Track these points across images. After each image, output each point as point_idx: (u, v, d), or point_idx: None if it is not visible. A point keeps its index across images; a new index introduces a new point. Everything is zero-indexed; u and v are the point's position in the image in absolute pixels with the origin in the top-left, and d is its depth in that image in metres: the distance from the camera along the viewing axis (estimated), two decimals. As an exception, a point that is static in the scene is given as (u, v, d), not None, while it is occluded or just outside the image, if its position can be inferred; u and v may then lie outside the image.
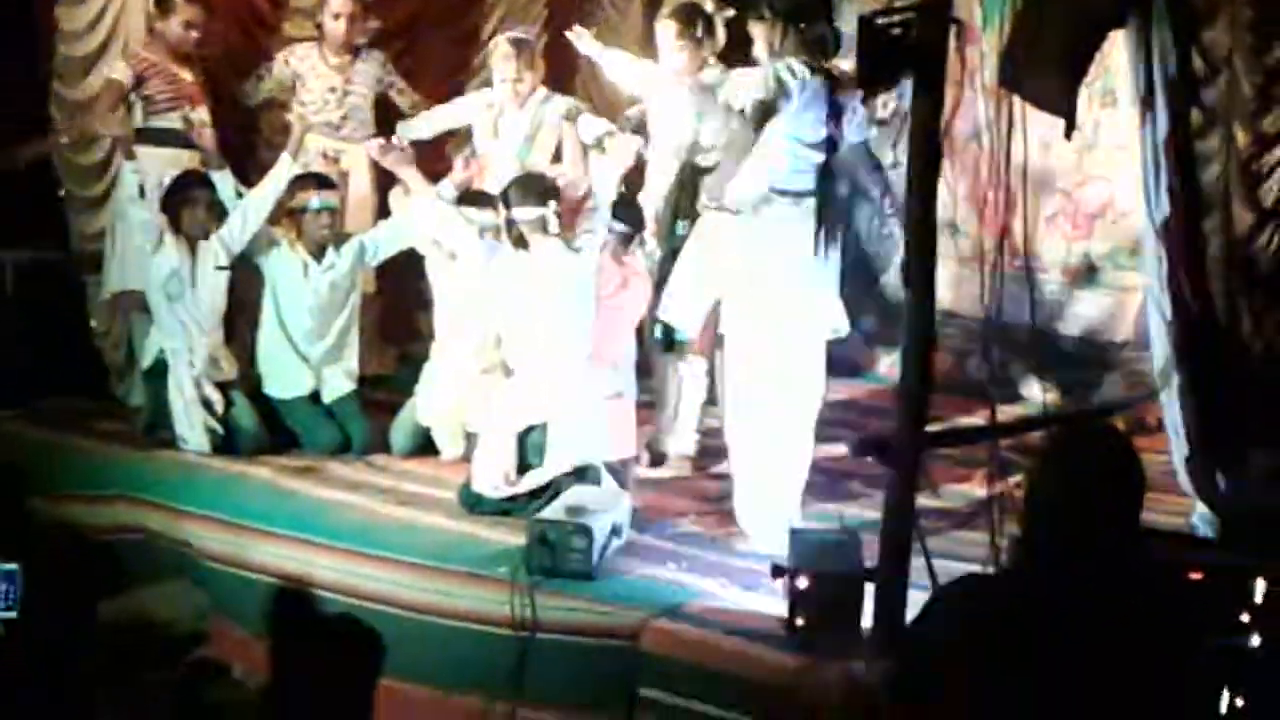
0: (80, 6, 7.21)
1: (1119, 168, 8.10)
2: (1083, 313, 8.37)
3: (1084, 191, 8.37)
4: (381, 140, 6.95)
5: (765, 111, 5.51)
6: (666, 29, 6.87)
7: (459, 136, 7.77)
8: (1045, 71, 4.59)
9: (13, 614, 3.89)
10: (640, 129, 7.00)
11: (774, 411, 5.76)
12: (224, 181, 6.91)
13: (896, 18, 4.26)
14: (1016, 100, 4.82)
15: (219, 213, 6.91)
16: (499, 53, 7.30)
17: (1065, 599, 2.91)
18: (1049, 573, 2.95)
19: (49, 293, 7.36)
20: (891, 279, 8.93)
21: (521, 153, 7.21)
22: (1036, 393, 7.60)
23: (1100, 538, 2.94)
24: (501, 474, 6.10)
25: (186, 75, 7.22)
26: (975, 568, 4.59)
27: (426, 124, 7.52)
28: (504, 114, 7.30)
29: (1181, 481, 5.60)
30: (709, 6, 6.91)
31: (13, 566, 4.05)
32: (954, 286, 8.10)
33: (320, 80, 7.53)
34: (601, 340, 6.34)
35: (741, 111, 5.75)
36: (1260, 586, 4.44)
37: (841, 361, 8.22)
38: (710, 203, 6.27)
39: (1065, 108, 4.69)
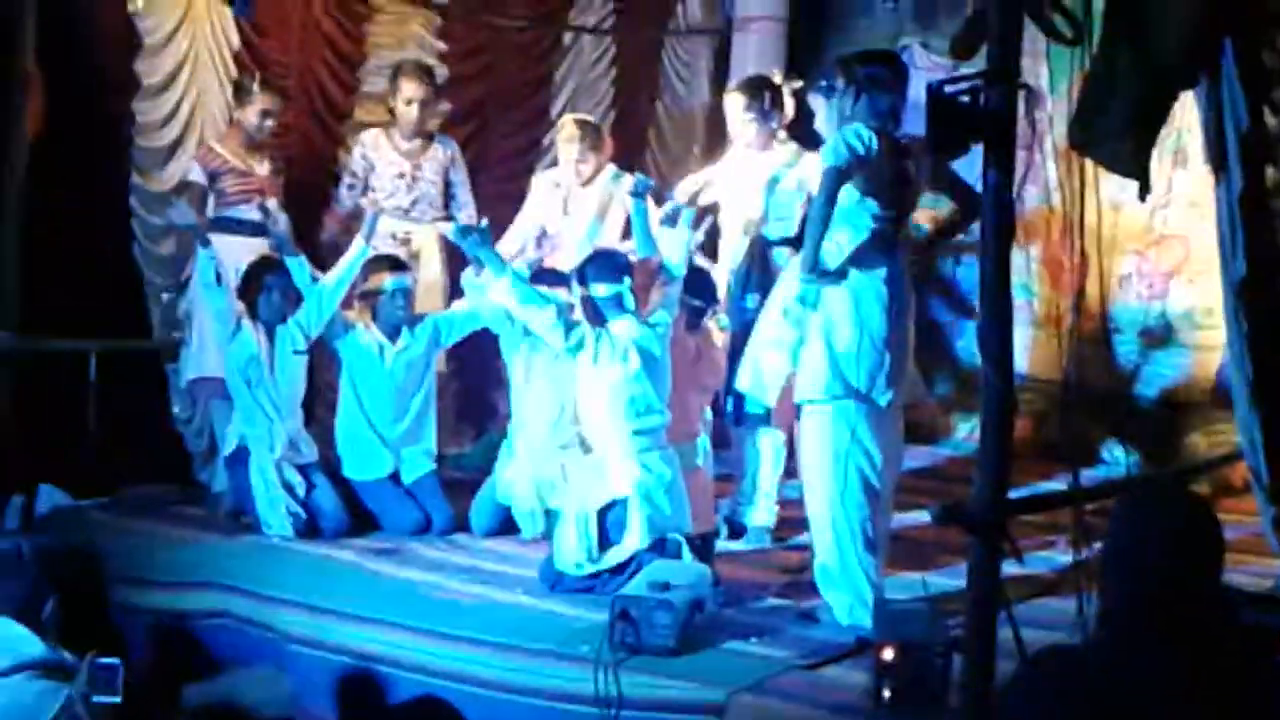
0: (157, 99, 7.37)
1: (1193, 226, 8.08)
2: (1161, 373, 8.31)
3: (1158, 251, 8.34)
4: (461, 222, 7.03)
5: (837, 178, 5.51)
6: (735, 102, 6.93)
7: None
8: (1116, 134, 4.58)
9: (117, 699, 3.92)
10: (710, 204, 7.04)
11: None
12: (299, 268, 6.99)
13: (965, 85, 4.26)
14: (1087, 161, 4.82)
15: (295, 298, 6.99)
16: (564, 134, 7.40)
17: (1151, 672, 2.86)
18: (1130, 644, 2.90)
19: (132, 381, 7.45)
20: (965, 345, 8.93)
21: (592, 230, 7.27)
22: (1118, 455, 7.55)
23: (1179, 601, 2.89)
24: (583, 551, 6.09)
25: (259, 168, 7.33)
26: (1062, 636, 4.53)
27: (514, 240, 7.54)
28: (572, 193, 7.37)
29: (1269, 542, 5.53)
30: (777, 78, 6.97)
31: (115, 661, 4.09)
32: (1029, 349, 8.09)
33: (391, 166, 7.63)
34: (679, 414, 6.34)
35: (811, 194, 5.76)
36: (1355, 648, 4.35)
37: (920, 429, 8.24)
38: (788, 272, 6.28)
39: (1138, 170, 4.67)
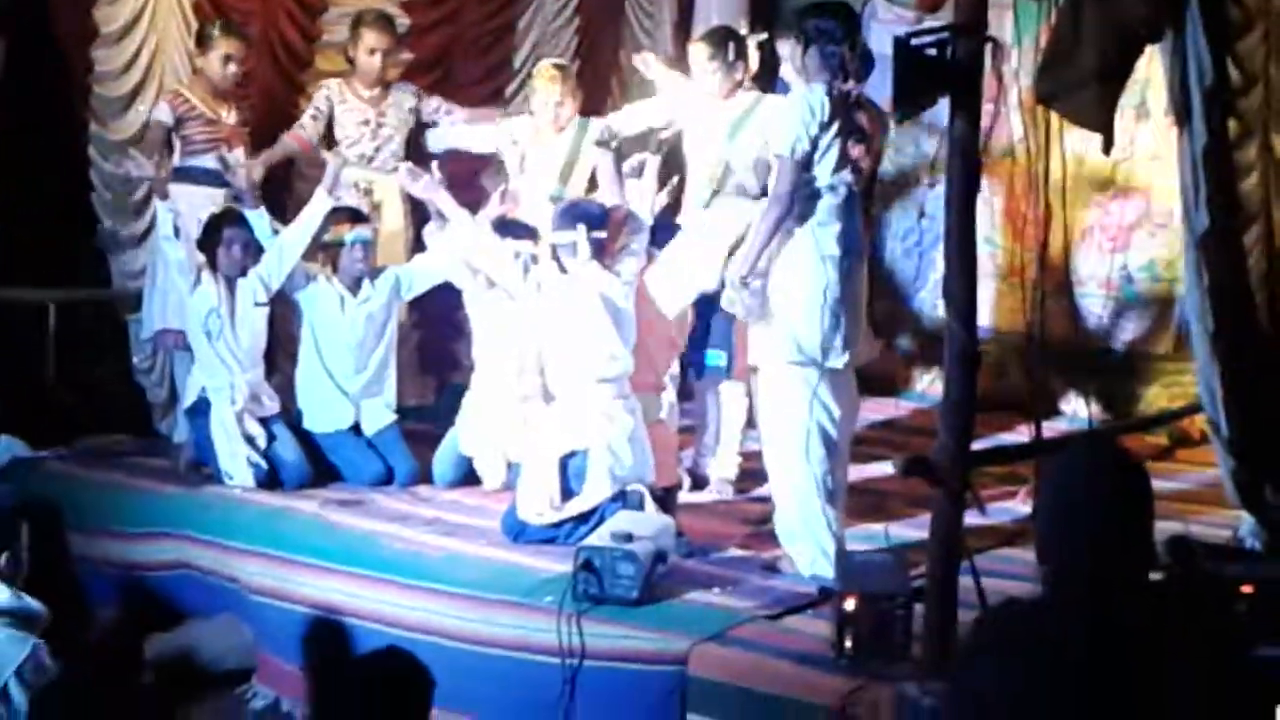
0: (116, 46, 7.30)
1: (1154, 179, 8.10)
2: (1122, 325, 8.35)
3: (1120, 205, 8.36)
4: (411, 165, 7.01)
5: (798, 171, 5.52)
6: (699, 52, 6.90)
7: (492, 167, 7.81)
8: (1082, 86, 4.58)
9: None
10: (674, 152, 7.02)
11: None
12: (259, 220, 6.95)
13: (931, 38, 4.25)
14: (1051, 115, 4.83)
15: (255, 250, 6.94)
16: (543, 76, 7.35)
17: (1093, 626, 2.88)
18: (1070, 599, 2.93)
19: (91, 331, 7.41)
20: (925, 297, 8.95)
21: (558, 180, 7.25)
22: (1080, 408, 7.59)
23: (1107, 551, 2.91)
24: (545, 501, 6.09)
25: (225, 115, 7.27)
26: (1024, 586, 4.56)
27: (453, 138, 7.58)
28: (537, 144, 7.32)
29: (1228, 493, 5.58)
30: (741, 30, 6.95)
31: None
32: (991, 302, 8.10)
33: (353, 114, 7.58)
34: (644, 365, 6.34)
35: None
36: (1313, 598, 4.41)
37: (880, 381, 8.26)
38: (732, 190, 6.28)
39: (1103, 122, 4.68)
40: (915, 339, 8.96)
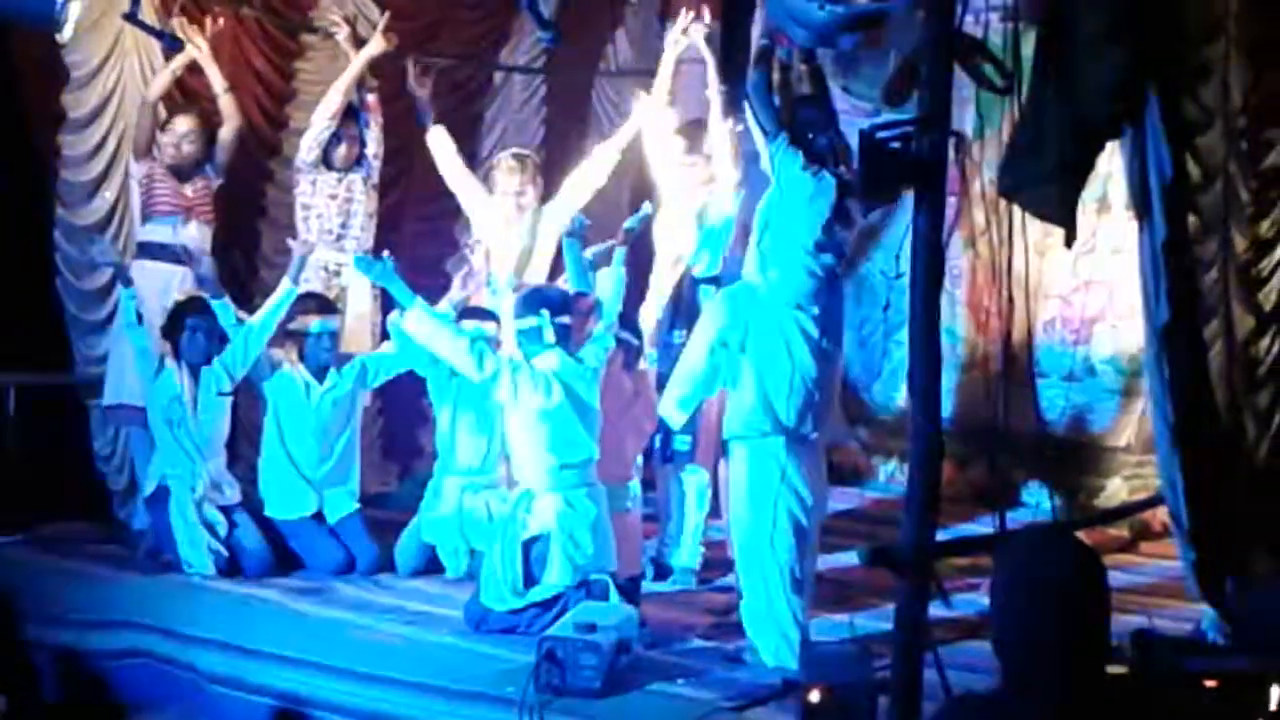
0: (83, 132, 7.31)
1: (1116, 273, 8.18)
2: (1085, 418, 8.39)
3: (1081, 297, 8.43)
4: (365, 254, 7.02)
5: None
6: (675, 146, 6.98)
7: (456, 254, 7.85)
8: (1044, 181, 4.63)
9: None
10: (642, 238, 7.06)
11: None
12: (223, 309, 6.94)
13: (896, 130, 4.30)
14: (1013, 207, 4.87)
15: (219, 339, 6.93)
16: (503, 167, 7.39)
17: (1057, 717, 2.88)
18: (1024, 693, 2.92)
19: (52, 416, 7.37)
20: (879, 388, 9.01)
21: (518, 267, 7.27)
22: (1042, 499, 7.61)
23: (1061, 641, 2.90)
24: (508, 587, 6.07)
25: (185, 189, 7.27)
26: (986, 679, 4.55)
27: (447, 151, 7.56)
28: (504, 228, 7.35)
29: (1189, 586, 5.58)
30: (713, 122, 7.03)
31: None
32: (953, 393, 8.14)
33: (323, 189, 7.54)
34: (613, 455, 6.33)
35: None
36: (1276, 693, 4.41)
37: (842, 470, 8.28)
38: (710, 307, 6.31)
39: (1065, 216, 4.72)
40: (871, 430, 9.00)
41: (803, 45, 5.62)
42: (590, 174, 7.40)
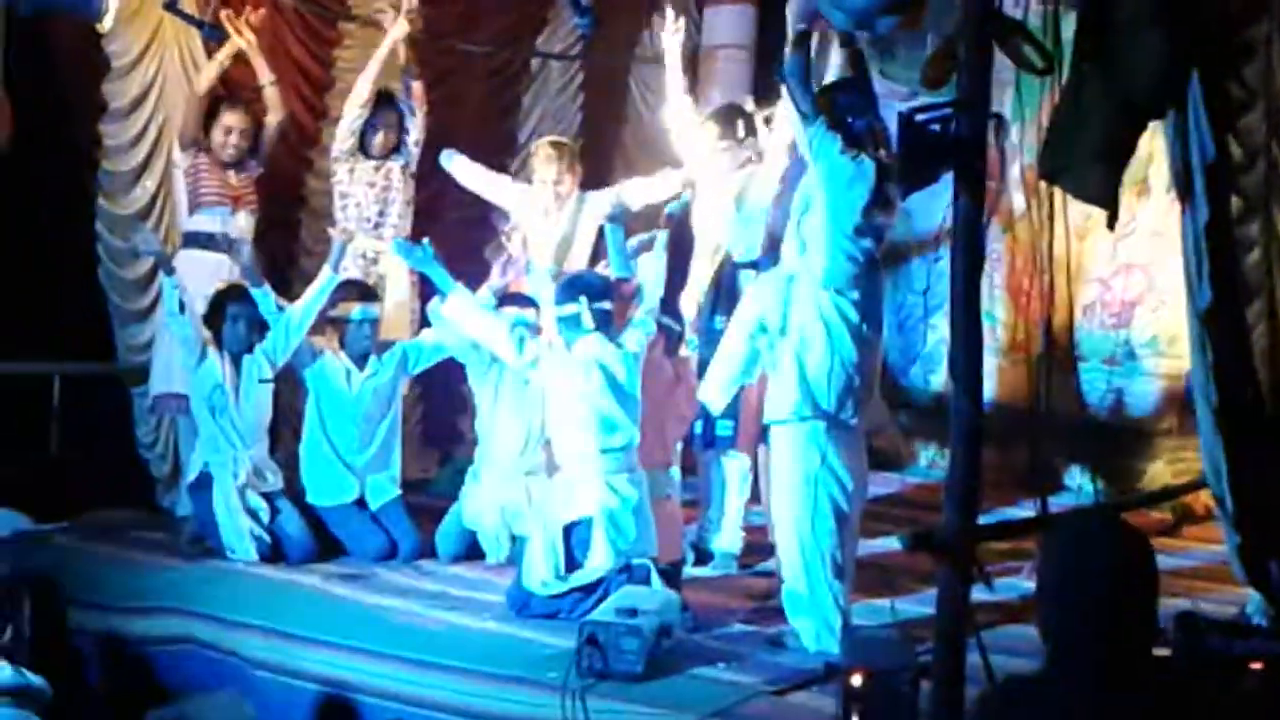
0: (124, 121, 7.36)
1: (1156, 256, 8.14)
2: (1126, 401, 8.36)
3: (1122, 280, 8.39)
4: (403, 239, 7.06)
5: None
6: (708, 132, 6.97)
7: (495, 240, 7.85)
8: (1085, 163, 4.60)
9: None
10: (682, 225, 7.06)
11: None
12: (264, 297, 6.98)
13: (935, 113, 4.28)
14: (1053, 190, 4.85)
15: (260, 326, 6.97)
16: (540, 155, 7.38)
17: (1094, 704, 2.87)
18: (1072, 675, 2.91)
19: (96, 405, 7.42)
20: (918, 371, 8.99)
21: (558, 255, 7.28)
22: (1085, 483, 7.58)
23: (1109, 624, 2.90)
24: (550, 572, 6.08)
25: (231, 179, 7.31)
26: (1029, 663, 4.54)
27: (467, 170, 7.57)
28: (537, 220, 7.35)
29: (1234, 569, 5.55)
30: (749, 106, 7.02)
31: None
32: (993, 377, 8.11)
33: (361, 178, 7.58)
34: (654, 440, 6.34)
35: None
36: (1321, 674, 4.39)
37: (883, 456, 8.27)
38: (751, 291, 6.30)
39: (1107, 198, 4.69)
40: (911, 415, 8.98)
41: (840, 29, 5.60)
42: (650, 190, 7.35)
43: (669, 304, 6.56)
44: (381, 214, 7.59)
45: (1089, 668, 2.91)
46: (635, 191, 7.34)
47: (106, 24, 7.10)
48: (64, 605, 5.84)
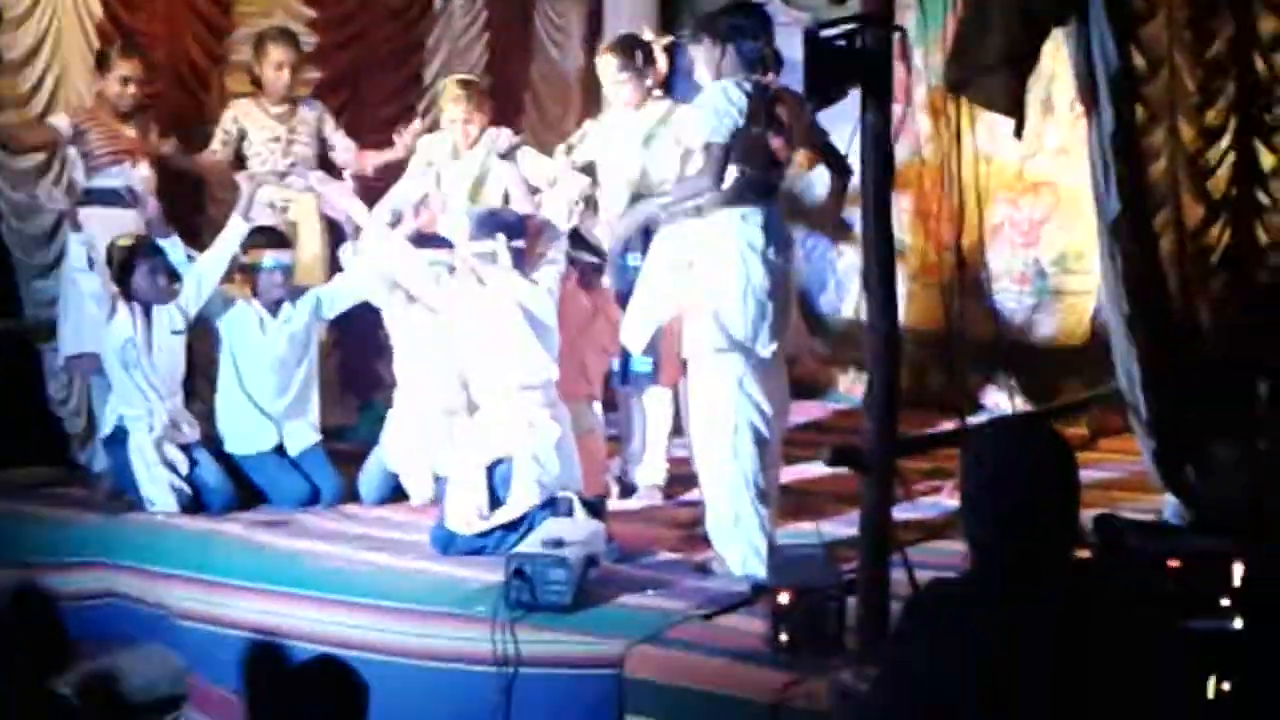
0: (19, 74, 7.21)
1: (1062, 173, 8.21)
2: (1037, 319, 8.44)
3: (1029, 200, 8.46)
4: (323, 174, 6.99)
5: (725, 155, 5.54)
6: (607, 64, 6.94)
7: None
8: (991, 72, 4.63)
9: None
10: (588, 165, 7.04)
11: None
12: (173, 247, 6.89)
13: (840, 29, 4.29)
14: (959, 111, 4.87)
15: (171, 277, 6.89)
16: (448, 94, 7.32)
17: (1020, 605, 2.91)
18: (997, 577, 2.95)
19: (4, 362, 7.31)
20: (829, 299, 9.05)
21: (471, 193, 7.23)
22: (1001, 401, 7.65)
23: (1030, 526, 2.94)
24: (473, 511, 6.07)
25: (127, 131, 7.21)
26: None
27: (388, 207, 7.48)
28: (444, 165, 7.29)
29: (1150, 475, 5.64)
30: (648, 35, 6.99)
31: None
32: (905, 302, 8.15)
33: (263, 131, 7.55)
34: (575, 373, 6.34)
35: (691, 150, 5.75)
36: (1239, 570, 4.47)
37: (803, 383, 8.31)
38: (664, 215, 6.30)
39: (1013, 106, 4.73)
40: (826, 341, 9.04)
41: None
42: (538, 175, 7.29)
43: (582, 236, 6.54)
44: (292, 165, 7.52)
45: (1011, 569, 2.94)
46: (534, 171, 7.24)
47: (-4, -26, 6.97)
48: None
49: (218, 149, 7.56)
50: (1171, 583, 4.49)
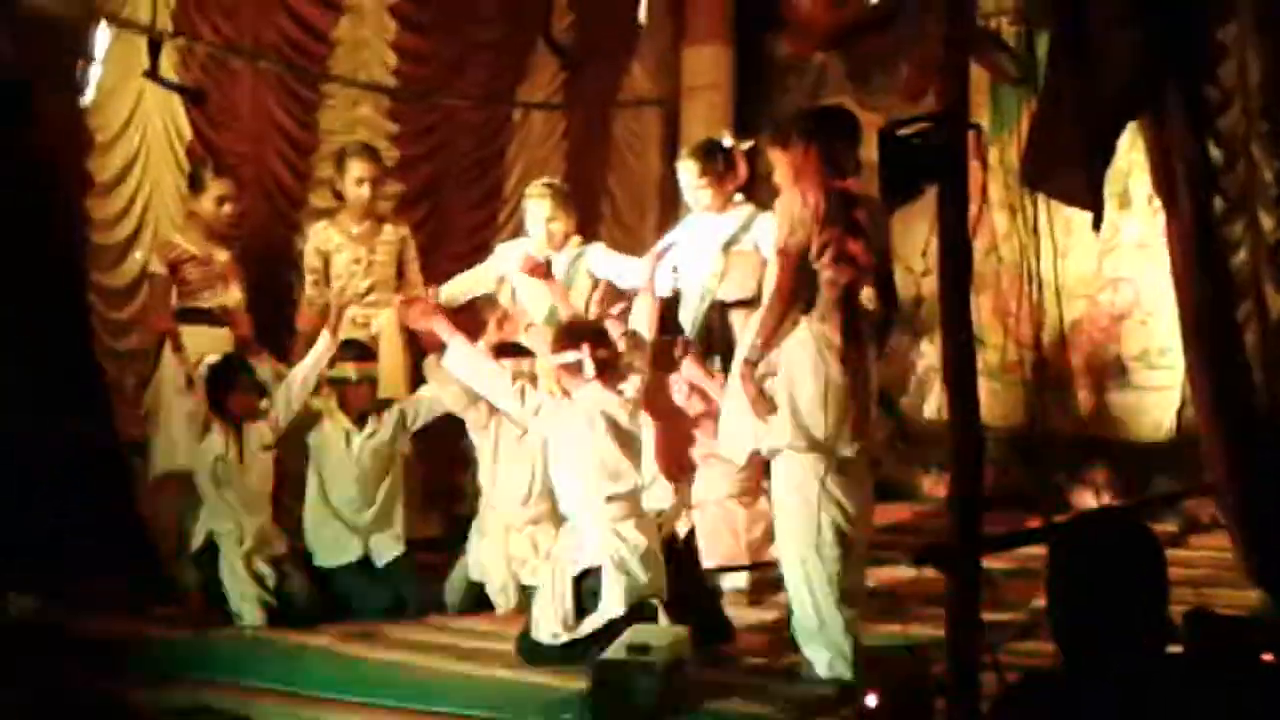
0: (110, 195, 7.37)
1: (1140, 268, 8.17)
2: (1120, 416, 8.37)
3: (1109, 295, 8.42)
4: (403, 297, 7.07)
5: (798, 269, 5.57)
6: (688, 170, 7.00)
7: (488, 298, 7.87)
8: (1067, 166, 4.64)
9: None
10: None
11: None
12: (262, 366, 6.99)
13: (915, 127, 4.32)
14: (1037, 209, 4.87)
15: (260, 393, 6.98)
16: (533, 194, 7.38)
17: (1123, 691, 2.87)
18: (1091, 671, 2.92)
19: (98, 472, 7.40)
20: (908, 400, 9.01)
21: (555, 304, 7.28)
22: (1088, 500, 7.59)
23: (1122, 621, 2.91)
24: (560, 622, 6.06)
25: (220, 255, 7.34)
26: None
27: (457, 286, 7.60)
28: (518, 279, 7.34)
29: (1241, 570, 5.56)
30: (728, 141, 7.04)
31: None
32: (986, 399, 8.12)
33: (343, 254, 7.63)
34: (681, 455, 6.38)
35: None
36: (1334, 663, 4.37)
37: (885, 485, 8.26)
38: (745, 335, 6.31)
39: (1091, 200, 4.73)
40: (907, 443, 9.00)
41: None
42: (620, 273, 7.33)
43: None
44: (373, 286, 7.61)
45: (1103, 666, 2.91)
46: (629, 272, 7.27)
47: (89, 97, 7.14)
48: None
49: (313, 299, 7.59)
50: (1267, 677, 4.39)
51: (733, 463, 6.35)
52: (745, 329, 6.41)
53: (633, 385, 6.26)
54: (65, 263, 7.35)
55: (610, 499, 6.13)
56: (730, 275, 6.95)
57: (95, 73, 7.07)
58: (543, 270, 6.84)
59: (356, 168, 7.59)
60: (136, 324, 7.34)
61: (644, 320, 6.45)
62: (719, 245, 6.95)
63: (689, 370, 6.50)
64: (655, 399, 6.37)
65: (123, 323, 7.38)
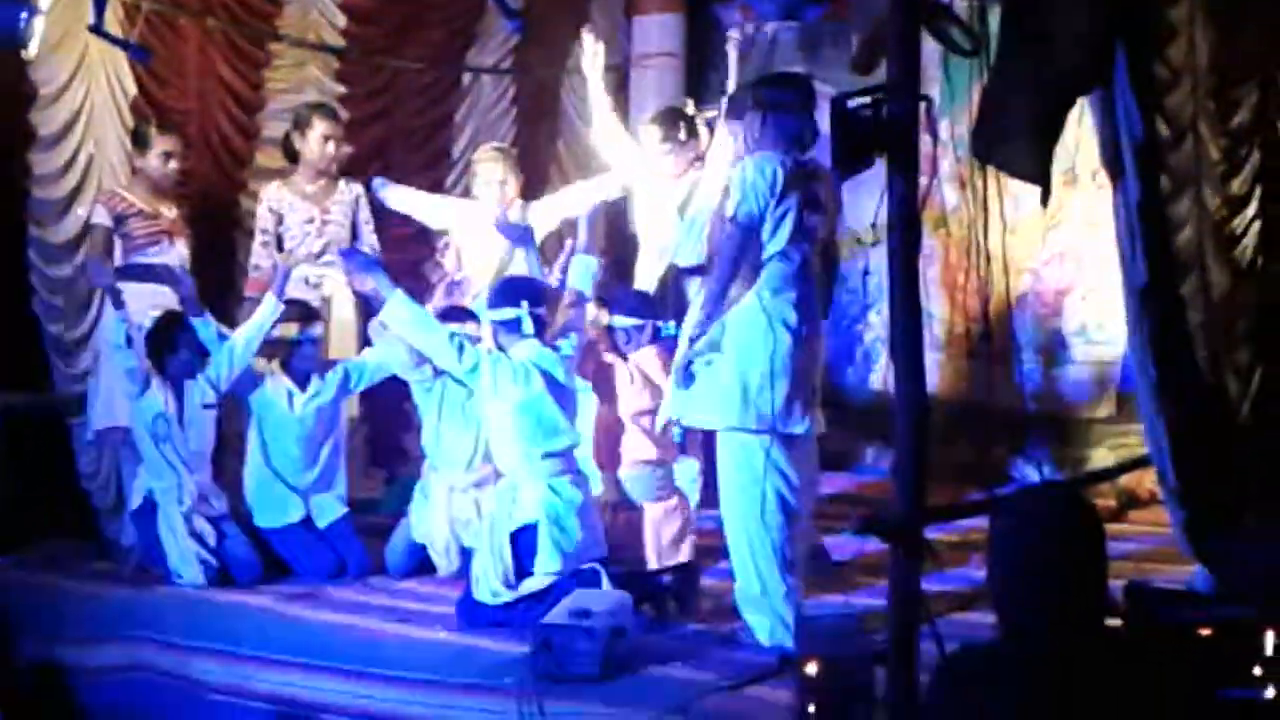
0: (54, 149, 7.29)
1: (1085, 244, 8.22)
2: (1062, 390, 8.43)
3: (1054, 270, 8.47)
4: (345, 248, 7.05)
5: (747, 236, 5.56)
6: (650, 135, 7.02)
7: (433, 259, 7.85)
8: (1016, 139, 4.66)
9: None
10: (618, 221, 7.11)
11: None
12: (205, 326, 6.93)
13: (867, 98, 4.32)
14: (985, 182, 4.88)
15: (202, 352, 6.93)
16: (484, 156, 7.40)
17: (1057, 664, 2.90)
18: (1029, 642, 2.95)
19: (35, 435, 7.35)
20: (854, 371, 9.05)
21: (501, 264, 7.28)
22: (1029, 473, 7.64)
23: (1060, 594, 2.94)
24: (499, 581, 6.07)
25: (166, 211, 7.27)
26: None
27: (405, 197, 7.61)
28: (486, 233, 7.34)
29: (1179, 545, 5.60)
30: (689, 109, 7.07)
31: None
32: (932, 373, 8.15)
33: (297, 214, 7.56)
34: (613, 443, 6.35)
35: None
36: (1271, 639, 4.43)
37: (828, 455, 8.29)
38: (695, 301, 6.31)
39: (1039, 173, 4.74)
40: (852, 414, 9.02)
41: (770, 18, 5.64)
42: (588, 194, 7.37)
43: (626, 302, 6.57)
44: (326, 245, 7.55)
45: (1041, 638, 2.94)
46: (575, 197, 7.36)
47: (31, 51, 7.05)
48: (9, 637, 5.80)
49: (259, 252, 7.52)
50: (1202, 652, 4.46)
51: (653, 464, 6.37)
52: (696, 296, 6.42)
53: (570, 343, 6.26)
54: (5, 218, 7.29)
55: (546, 455, 6.13)
56: (684, 240, 6.96)
57: (39, 26, 6.96)
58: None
59: (322, 126, 7.52)
60: (76, 280, 7.23)
61: (583, 279, 6.44)
62: (675, 211, 6.96)
63: (644, 358, 6.46)
64: (597, 371, 6.35)
65: (63, 279, 7.28)
